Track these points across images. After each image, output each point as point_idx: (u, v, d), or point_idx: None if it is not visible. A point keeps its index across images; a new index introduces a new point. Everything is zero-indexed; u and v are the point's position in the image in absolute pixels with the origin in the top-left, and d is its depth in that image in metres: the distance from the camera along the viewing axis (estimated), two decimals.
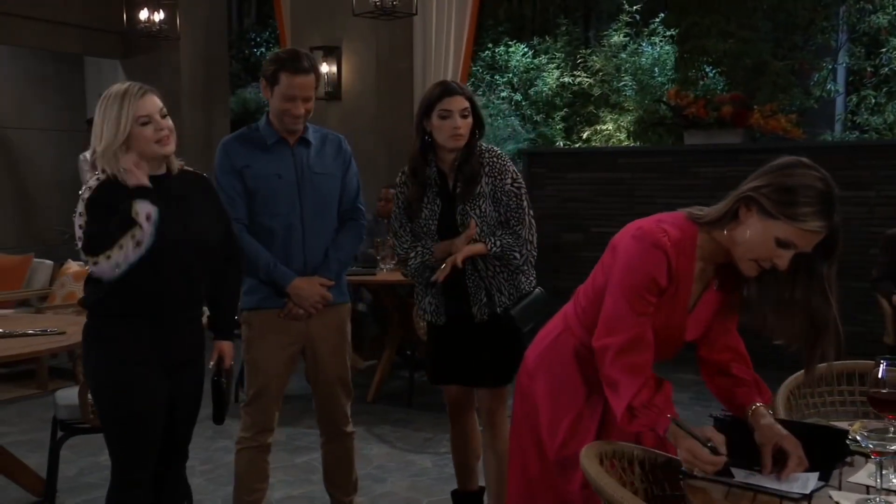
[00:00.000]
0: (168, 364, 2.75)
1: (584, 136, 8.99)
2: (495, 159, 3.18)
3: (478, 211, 3.13)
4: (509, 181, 3.15)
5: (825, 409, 2.85)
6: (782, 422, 2.17)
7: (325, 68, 7.91)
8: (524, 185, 3.22)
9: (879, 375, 1.98)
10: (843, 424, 2.25)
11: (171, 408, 2.80)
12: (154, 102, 2.68)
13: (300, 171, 3.24)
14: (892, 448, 1.81)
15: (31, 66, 9.50)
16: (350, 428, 3.48)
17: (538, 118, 9.58)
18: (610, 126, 8.78)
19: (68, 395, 3.71)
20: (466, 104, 3.11)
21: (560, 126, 9.37)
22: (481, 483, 3.52)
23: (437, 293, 3.22)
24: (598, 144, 8.78)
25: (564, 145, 9.15)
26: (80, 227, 2.64)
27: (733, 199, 2.07)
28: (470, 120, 3.12)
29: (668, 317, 2.16)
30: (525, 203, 3.18)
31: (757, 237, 2.00)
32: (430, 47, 7.42)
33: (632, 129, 8.35)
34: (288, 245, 3.23)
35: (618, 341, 2.10)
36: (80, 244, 2.65)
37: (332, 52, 7.88)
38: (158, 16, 7.61)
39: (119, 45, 9.17)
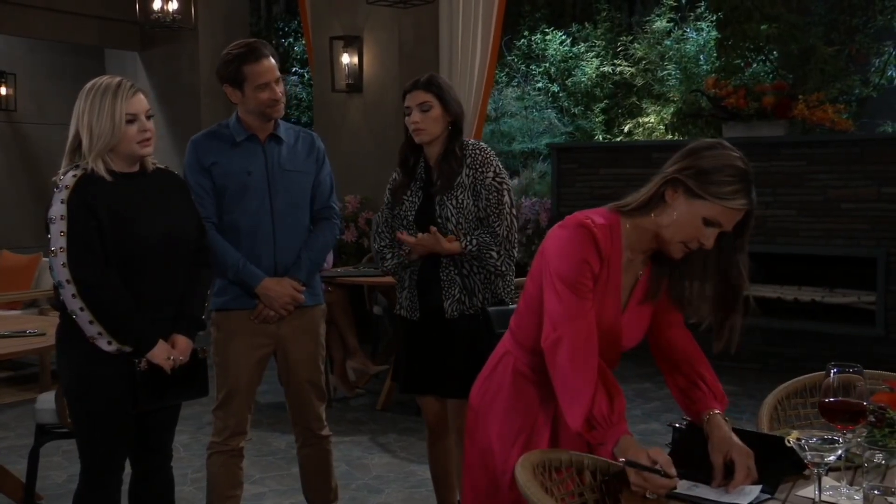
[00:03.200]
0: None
1: (626, 129, 8.91)
2: (478, 152, 3.30)
3: (454, 202, 3.24)
4: (491, 174, 3.26)
5: (819, 420, 2.82)
6: (739, 432, 2.18)
7: (345, 59, 8.00)
8: (507, 182, 3.31)
9: (830, 382, 1.99)
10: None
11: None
12: (143, 102, 2.83)
13: (271, 167, 3.32)
14: (829, 459, 1.82)
15: (50, 60, 9.79)
16: (325, 431, 3.56)
17: (576, 110, 9.52)
18: (653, 118, 8.70)
19: (47, 400, 3.83)
20: (426, 97, 3.23)
21: (600, 119, 9.29)
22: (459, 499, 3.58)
23: (412, 286, 3.34)
24: (640, 138, 8.71)
25: (604, 139, 9.06)
26: (62, 233, 2.73)
27: (658, 182, 2.19)
28: (435, 113, 3.23)
29: (602, 310, 2.21)
30: (506, 199, 3.27)
31: (684, 218, 2.14)
32: (457, 34, 7.39)
33: (669, 121, 8.25)
34: (258, 244, 3.31)
35: (568, 334, 2.13)
36: (57, 255, 2.72)
37: (352, 42, 7.97)
38: (172, 5, 7.77)
39: (137, 37, 9.40)
